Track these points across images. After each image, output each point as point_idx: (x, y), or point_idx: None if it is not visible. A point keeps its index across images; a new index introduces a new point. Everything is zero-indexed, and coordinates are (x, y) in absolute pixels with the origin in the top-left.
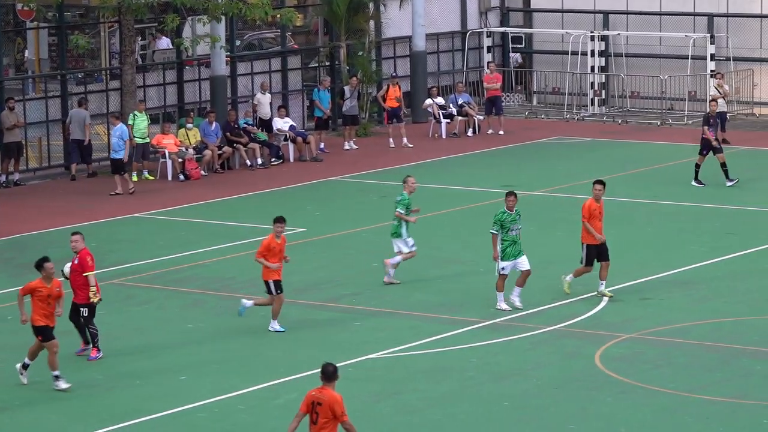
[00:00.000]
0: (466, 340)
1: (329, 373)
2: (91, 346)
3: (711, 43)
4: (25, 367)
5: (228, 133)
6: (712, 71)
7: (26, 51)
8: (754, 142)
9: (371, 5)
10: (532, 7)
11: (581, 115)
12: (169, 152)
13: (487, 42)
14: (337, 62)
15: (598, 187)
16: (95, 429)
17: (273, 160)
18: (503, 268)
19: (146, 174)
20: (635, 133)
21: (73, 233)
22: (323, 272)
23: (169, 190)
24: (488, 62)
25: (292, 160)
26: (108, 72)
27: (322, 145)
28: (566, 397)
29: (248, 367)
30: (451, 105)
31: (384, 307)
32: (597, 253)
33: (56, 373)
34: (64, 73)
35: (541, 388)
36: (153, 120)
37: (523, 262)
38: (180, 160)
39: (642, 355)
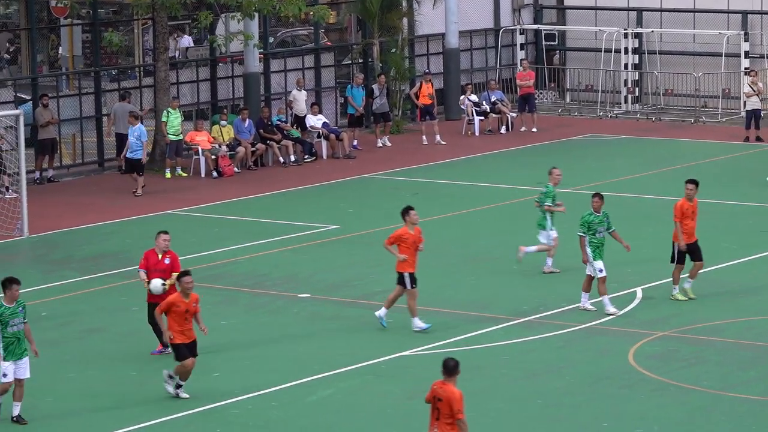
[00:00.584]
0: (498, 337)
1: (450, 368)
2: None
3: (745, 41)
4: (178, 386)
5: (261, 130)
6: (746, 69)
7: (60, 48)
8: None
9: (404, 2)
10: (565, 4)
11: (615, 112)
12: (202, 149)
13: (520, 39)
14: (370, 59)
15: (690, 186)
16: (128, 425)
17: (306, 157)
18: (601, 270)
19: (179, 171)
20: (669, 131)
21: (165, 232)
22: (356, 269)
23: (202, 187)
24: (521, 59)
25: (325, 157)
26: (141, 69)
27: (355, 143)
28: (599, 395)
29: (281, 364)
30: (484, 102)
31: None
32: (689, 251)
33: (180, 383)
34: (98, 70)
35: (574, 385)
36: (186, 117)
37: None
38: (213, 157)
39: (675, 353)
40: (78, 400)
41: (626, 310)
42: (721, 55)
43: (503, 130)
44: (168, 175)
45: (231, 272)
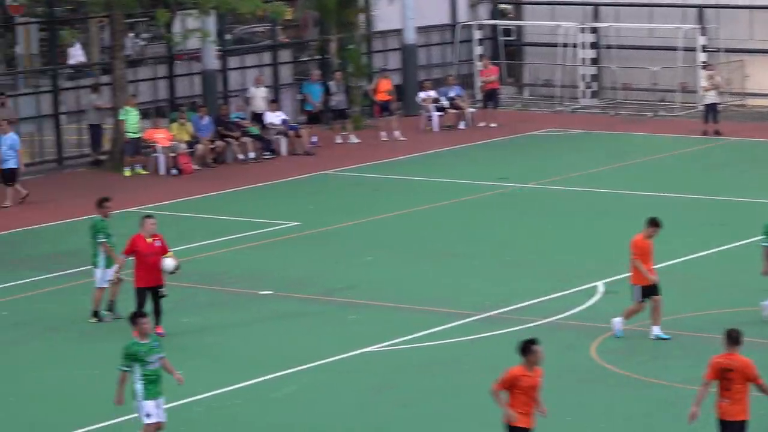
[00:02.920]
0: (462, 333)
1: (734, 338)
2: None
3: (701, 35)
4: None
5: (220, 128)
6: (703, 62)
7: (16, 46)
8: (745, 133)
9: None
10: None
11: (573, 107)
12: (161, 147)
13: (477, 35)
14: (327, 56)
15: None
16: (91, 424)
17: (265, 154)
18: None
19: (139, 169)
20: (627, 125)
21: (150, 216)
22: (317, 266)
23: (162, 184)
24: (481, 55)
25: (284, 153)
26: (99, 67)
27: (314, 139)
28: (563, 390)
29: (244, 361)
30: (442, 98)
31: (378, 300)
32: None
33: None
34: (55, 68)
35: None
36: (144, 115)
37: None
38: (172, 154)
39: (637, 347)
40: (40, 399)
41: (588, 304)
42: (678, 50)
43: (462, 125)
44: (127, 173)
45: (192, 270)
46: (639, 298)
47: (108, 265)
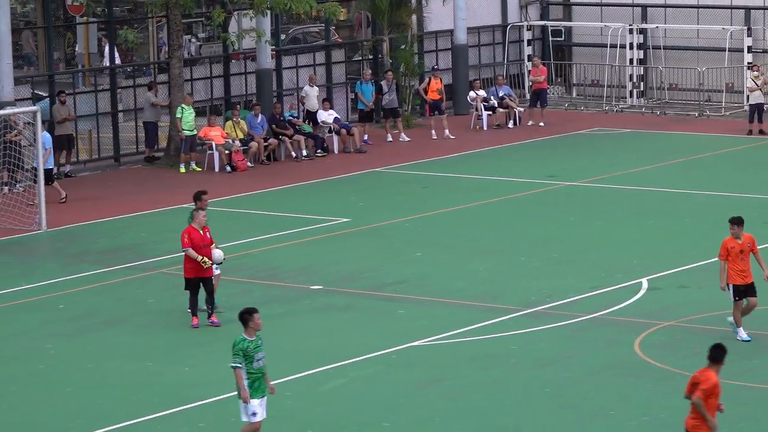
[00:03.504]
0: (508, 327)
1: None
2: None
3: (748, 36)
4: None
5: (273, 126)
6: (749, 63)
7: (76, 45)
8: None
9: (413, 0)
10: (571, 0)
11: (620, 106)
12: (216, 144)
13: (527, 35)
14: (380, 55)
15: None
16: (144, 415)
17: (318, 151)
18: None
19: (194, 166)
20: (673, 125)
21: (201, 209)
22: (367, 261)
23: (216, 181)
24: (529, 55)
25: (336, 151)
26: (156, 66)
27: (365, 137)
28: (606, 384)
29: (294, 354)
30: (492, 97)
31: (427, 295)
32: None
33: None
34: (113, 67)
35: (582, 375)
36: (199, 113)
37: None
38: (227, 151)
39: (680, 342)
40: (96, 390)
41: (632, 300)
42: (725, 50)
43: (511, 124)
44: (182, 169)
45: (245, 265)
46: (731, 298)
47: None
